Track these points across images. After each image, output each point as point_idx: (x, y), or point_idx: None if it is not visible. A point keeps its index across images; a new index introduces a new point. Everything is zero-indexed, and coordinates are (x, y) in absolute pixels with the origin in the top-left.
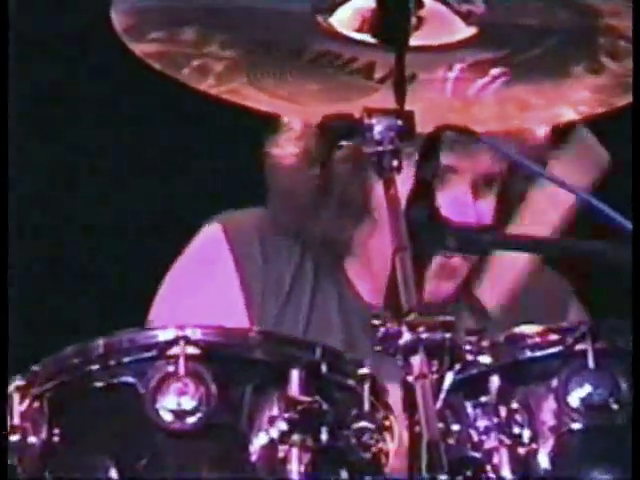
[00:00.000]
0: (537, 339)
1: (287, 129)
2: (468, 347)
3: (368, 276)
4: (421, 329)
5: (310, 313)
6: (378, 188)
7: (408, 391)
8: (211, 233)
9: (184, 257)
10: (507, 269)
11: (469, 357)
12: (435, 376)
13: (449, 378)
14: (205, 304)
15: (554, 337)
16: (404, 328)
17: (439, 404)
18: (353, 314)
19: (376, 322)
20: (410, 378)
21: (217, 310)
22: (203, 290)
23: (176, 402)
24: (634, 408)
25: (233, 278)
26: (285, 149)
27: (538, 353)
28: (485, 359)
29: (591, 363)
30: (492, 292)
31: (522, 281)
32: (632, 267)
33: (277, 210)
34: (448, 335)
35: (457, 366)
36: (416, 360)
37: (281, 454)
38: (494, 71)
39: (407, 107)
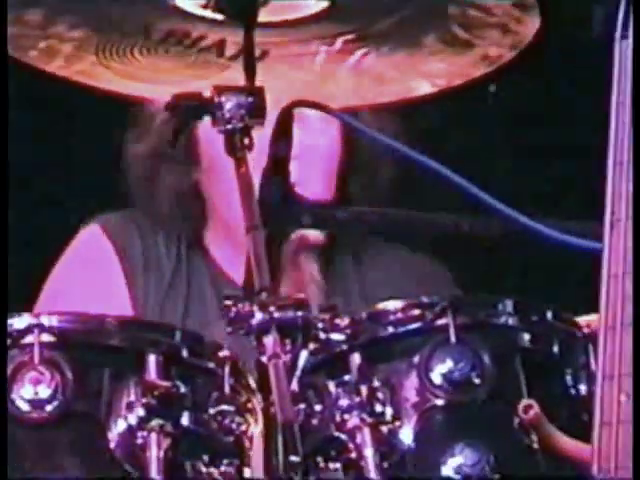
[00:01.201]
0: (399, 315)
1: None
2: (321, 325)
3: (225, 242)
4: (273, 308)
5: (188, 301)
6: (203, 137)
7: (262, 372)
8: (90, 233)
9: (65, 257)
10: None
11: (322, 335)
12: (288, 356)
13: (303, 357)
14: (90, 299)
15: (415, 312)
16: (256, 308)
17: (295, 384)
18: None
19: (228, 303)
20: (263, 358)
21: (102, 305)
22: (88, 285)
23: (32, 391)
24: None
25: (118, 271)
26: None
27: (400, 329)
28: (338, 337)
29: (452, 338)
30: None
31: None
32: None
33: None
34: (300, 313)
35: (311, 345)
36: (269, 340)
37: (140, 440)
38: (348, 45)
39: (260, 84)
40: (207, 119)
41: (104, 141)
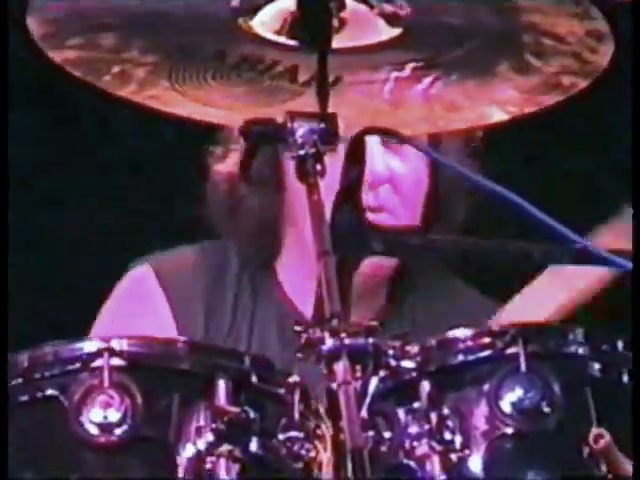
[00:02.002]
0: (468, 343)
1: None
2: (391, 352)
3: (298, 274)
4: (344, 335)
5: (250, 337)
6: (289, 165)
7: (332, 398)
8: (140, 274)
9: (114, 295)
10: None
11: (392, 362)
12: (359, 382)
13: (373, 384)
14: None
15: (485, 340)
16: (326, 334)
17: (364, 411)
18: (289, 323)
19: (298, 329)
20: (334, 385)
21: None
22: (136, 328)
23: (101, 415)
24: (634, 408)
25: (167, 314)
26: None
27: (469, 357)
28: (408, 364)
29: (523, 366)
30: None
31: None
32: (632, 267)
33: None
34: (371, 340)
35: (382, 372)
36: (339, 366)
37: (209, 465)
38: (420, 72)
39: (333, 110)
40: None
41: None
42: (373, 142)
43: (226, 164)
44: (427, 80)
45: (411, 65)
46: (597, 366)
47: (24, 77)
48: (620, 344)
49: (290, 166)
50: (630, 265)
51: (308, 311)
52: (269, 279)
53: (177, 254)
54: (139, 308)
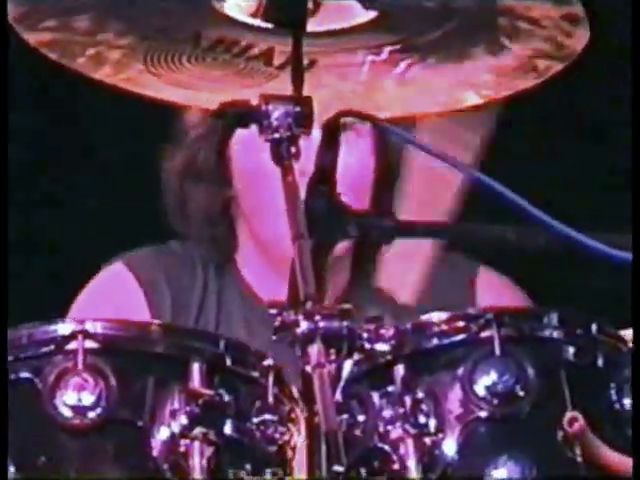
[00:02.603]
0: (443, 327)
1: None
2: (366, 335)
3: (257, 266)
4: (318, 317)
5: (217, 328)
6: (236, 155)
7: (306, 381)
8: (115, 270)
9: (88, 291)
10: (412, 256)
11: (366, 345)
12: (333, 365)
13: (348, 367)
14: None
15: (460, 324)
16: (301, 317)
17: (339, 394)
18: (253, 315)
19: (273, 311)
20: (308, 368)
21: None
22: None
23: (75, 397)
24: (634, 407)
25: (142, 304)
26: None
27: (444, 341)
28: (382, 347)
29: (497, 350)
30: (403, 282)
31: (430, 266)
32: (632, 268)
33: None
34: (346, 323)
35: (356, 355)
36: (313, 349)
37: (183, 449)
38: (397, 56)
39: (308, 93)
40: (240, 132)
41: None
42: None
43: (174, 161)
44: (403, 64)
45: (387, 49)
46: (571, 350)
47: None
48: (594, 327)
49: (238, 159)
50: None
51: (264, 293)
52: (231, 271)
53: (145, 252)
54: (115, 296)
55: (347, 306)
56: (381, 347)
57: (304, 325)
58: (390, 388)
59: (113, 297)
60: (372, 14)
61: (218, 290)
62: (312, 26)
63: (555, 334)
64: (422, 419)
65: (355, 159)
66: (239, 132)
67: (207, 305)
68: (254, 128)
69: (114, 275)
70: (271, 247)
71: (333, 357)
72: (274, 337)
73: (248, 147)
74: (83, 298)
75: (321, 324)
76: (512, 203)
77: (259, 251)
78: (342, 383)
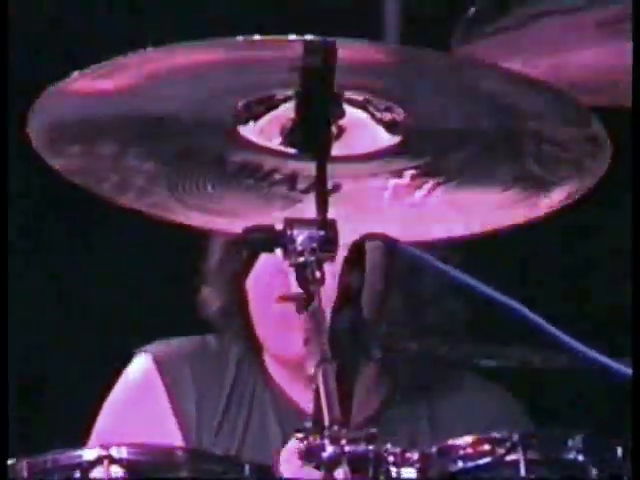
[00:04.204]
0: (468, 450)
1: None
2: (392, 459)
3: (279, 366)
4: (344, 441)
5: (246, 429)
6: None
7: None
8: (142, 365)
9: (118, 389)
10: None
11: (393, 470)
12: None
13: None
14: (139, 434)
15: (485, 447)
16: (327, 441)
17: None
18: (290, 422)
19: (299, 435)
20: None
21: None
22: (137, 421)
23: None
24: (634, 407)
25: (166, 407)
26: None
27: (469, 464)
28: (409, 471)
29: (523, 473)
30: None
31: None
32: (632, 269)
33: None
34: (371, 447)
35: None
36: (339, 474)
37: None
38: (415, 178)
39: (332, 217)
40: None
41: None
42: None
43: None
44: (427, 186)
45: (410, 172)
46: (595, 472)
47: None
48: (619, 451)
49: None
50: (629, 372)
51: (300, 398)
52: (262, 369)
53: (176, 346)
54: (141, 402)
55: (373, 430)
56: (407, 471)
57: (330, 449)
58: None
59: (139, 407)
60: (396, 138)
61: (252, 389)
62: (336, 150)
63: (580, 457)
64: None
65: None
66: None
67: (237, 402)
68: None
69: (141, 377)
70: (277, 354)
71: None
72: (301, 462)
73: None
74: (110, 406)
75: (347, 448)
76: (537, 327)
77: (274, 357)
78: None
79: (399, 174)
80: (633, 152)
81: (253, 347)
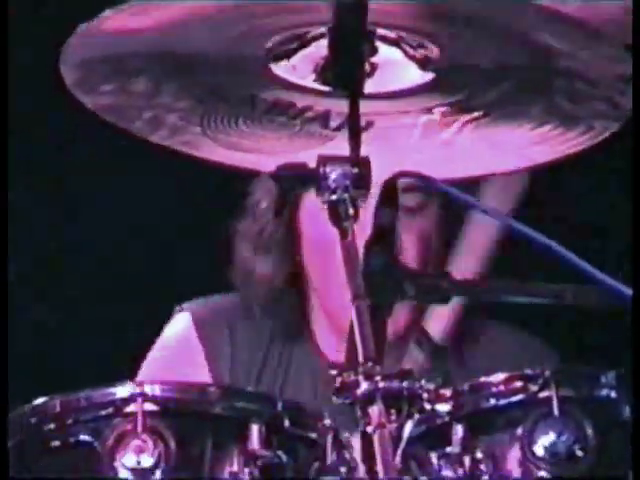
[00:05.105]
0: (501, 387)
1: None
2: (426, 395)
3: (328, 330)
4: (378, 378)
5: (283, 387)
6: (303, 226)
7: (367, 442)
8: (182, 323)
9: (158, 345)
10: None
11: (427, 406)
12: (394, 426)
13: (408, 428)
14: None
15: (517, 384)
16: (361, 378)
17: (399, 454)
18: (322, 376)
19: (333, 372)
20: (369, 428)
21: None
22: (174, 377)
23: (135, 460)
24: (634, 409)
25: (203, 365)
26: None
27: (501, 401)
28: (443, 407)
29: (556, 410)
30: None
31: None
32: (632, 269)
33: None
34: (406, 384)
35: (416, 415)
36: (374, 410)
37: None
38: (448, 115)
39: (364, 154)
40: (307, 202)
41: None
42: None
43: (243, 232)
44: (457, 124)
45: (440, 109)
46: (628, 409)
47: None
48: None
49: (305, 230)
50: None
51: (336, 357)
52: (303, 333)
53: (215, 303)
54: (179, 359)
55: (407, 367)
56: (442, 407)
57: (364, 386)
58: (449, 449)
59: (176, 363)
60: (429, 76)
61: (288, 355)
62: (369, 88)
63: (613, 394)
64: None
65: (417, 235)
66: (306, 202)
67: (272, 364)
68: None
69: (180, 335)
70: (337, 317)
71: (394, 418)
72: (335, 398)
73: (314, 217)
74: (151, 358)
75: (381, 384)
76: (570, 263)
77: (328, 319)
78: (403, 444)
79: (430, 112)
80: (633, 153)
81: (291, 323)
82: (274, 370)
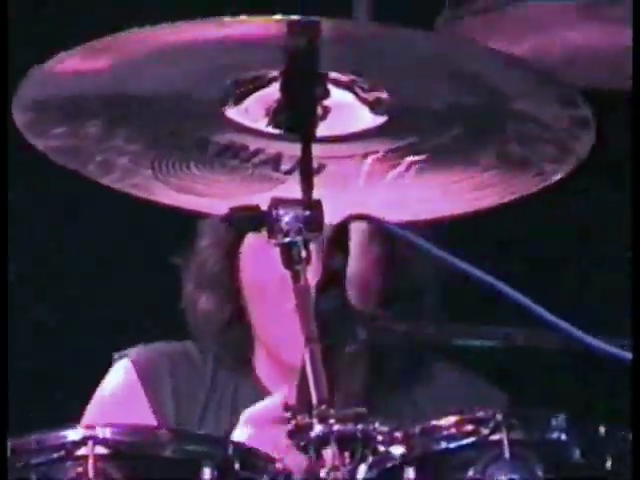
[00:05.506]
0: (452, 430)
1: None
2: (380, 438)
3: (272, 368)
4: (332, 421)
5: (232, 424)
6: (244, 263)
7: None
8: (123, 370)
9: (100, 394)
10: None
11: (381, 448)
12: (347, 468)
13: (362, 470)
14: None
15: (469, 427)
16: (315, 420)
17: None
18: None
19: (287, 415)
20: (322, 472)
21: None
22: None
23: None
24: (634, 408)
25: (147, 409)
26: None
27: (453, 444)
28: (397, 450)
29: (507, 453)
30: None
31: None
32: (632, 271)
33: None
34: (360, 426)
35: (370, 458)
36: (328, 453)
37: None
38: (399, 158)
39: (316, 197)
40: (248, 240)
41: None
42: None
43: (187, 268)
44: (402, 165)
45: (384, 151)
46: (579, 452)
47: None
48: (602, 430)
49: (245, 267)
50: (629, 356)
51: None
52: (247, 371)
53: (155, 350)
54: (123, 401)
55: (361, 410)
56: (396, 449)
57: (318, 428)
58: None
59: (121, 410)
60: (381, 119)
61: (233, 389)
62: (321, 131)
63: (563, 436)
64: None
65: (364, 265)
66: (248, 240)
67: (217, 401)
68: (262, 235)
69: (121, 381)
70: (278, 354)
71: (347, 460)
72: (289, 441)
73: (252, 256)
74: (94, 405)
75: (335, 427)
76: (521, 305)
77: (268, 354)
78: None
79: (376, 153)
80: (633, 152)
81: (237, 354)
82: (219, 406)
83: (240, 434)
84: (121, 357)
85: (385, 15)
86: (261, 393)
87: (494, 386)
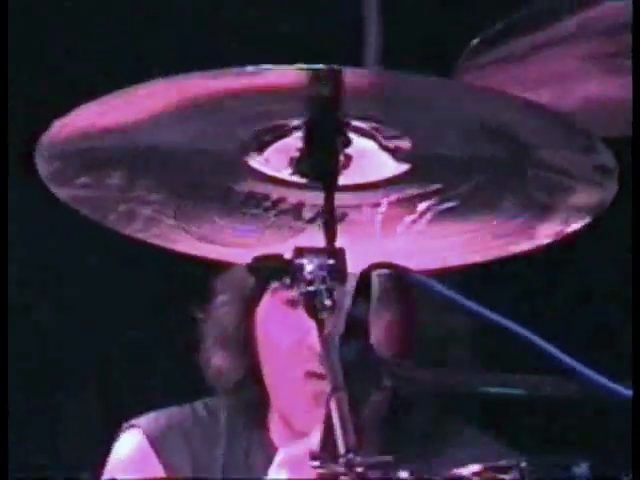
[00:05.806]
0: (475, 478)
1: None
2: None
3: (287, 429)
4: (360, 469)
5: None
6: (259, 322)
7: None
8: (134, 441)
9: (112, 466)
10: None
11: None
12: None
13: None
14: None
15: (492, 476)
16: (343, 469)
17: None
18: None
19: (314, 464)
20: None
21: None
22: None
23: None
24: (634, 408)
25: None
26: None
27: None
28: None
29: None
30: None
31: None
32: (632, 273)
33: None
34: (386, 475)
35: None
36: None
37: None
38: (421, 206)
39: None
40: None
41: None
42: None
43: (203, 324)
44: (424, 213)
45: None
46: None
47: None
48: (625, 479)
49: (261, 326)
50: (630, 393)
51: None
52: (261, 430)
53: (165, 416)
54: (138, 473)
55: (387, 458)
56: None
57: (346, 477)
58: None
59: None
60: (404, 167)
61: (246, 450)
62: (343, 180)
63: None
64: None
65: (388, 314)
66: (265, 299)
67: (233, 465)
68: (280, 295)
69: (135, 454)
70: (289, 418)
71: None
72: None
73: (268, 317)
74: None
75: (363, 475)
76: (547, 354)
77: (279, 415)
78: None
79: (396, 201)
80: (633, 153)
81: (250, 413)
82: (235, 468)
83: (275, 476)
84: (130, 428)
85: (396, 63)
86: (271, 454)
87: (508, 447)
